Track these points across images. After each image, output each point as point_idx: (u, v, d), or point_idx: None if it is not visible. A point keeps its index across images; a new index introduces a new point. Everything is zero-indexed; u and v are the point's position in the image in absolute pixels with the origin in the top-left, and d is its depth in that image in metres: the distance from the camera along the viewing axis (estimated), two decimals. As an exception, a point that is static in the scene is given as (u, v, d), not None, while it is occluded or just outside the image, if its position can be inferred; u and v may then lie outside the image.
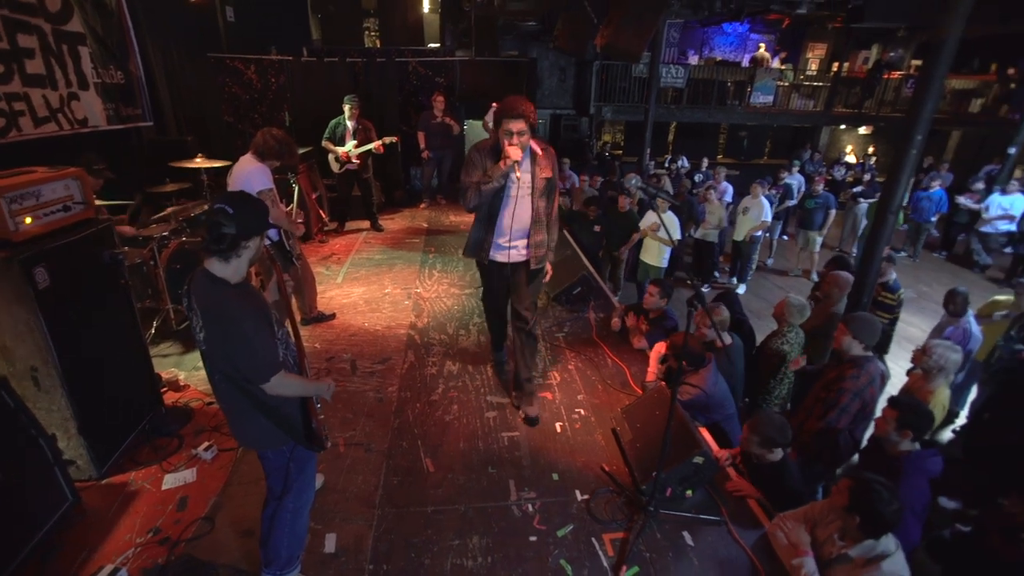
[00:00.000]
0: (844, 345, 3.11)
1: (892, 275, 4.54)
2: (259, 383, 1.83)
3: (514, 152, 2.80)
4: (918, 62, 13.73)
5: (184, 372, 3.81)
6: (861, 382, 3.00)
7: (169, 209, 4.62)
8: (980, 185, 9.00)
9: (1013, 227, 8.15)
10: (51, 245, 2.52)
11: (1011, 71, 11.84)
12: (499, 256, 3.18)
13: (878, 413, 2.79)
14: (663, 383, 3.24)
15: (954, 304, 4.19)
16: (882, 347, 4.62)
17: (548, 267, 3.41)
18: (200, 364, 3.79)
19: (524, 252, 3.18)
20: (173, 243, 4.29)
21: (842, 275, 4.28)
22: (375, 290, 5.15)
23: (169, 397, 3.49)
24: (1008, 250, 8.30)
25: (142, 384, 3.18)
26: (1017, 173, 9.61)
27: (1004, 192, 8.27)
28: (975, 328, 4.06)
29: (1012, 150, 9.17)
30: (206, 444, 3.06)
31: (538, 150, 3.02)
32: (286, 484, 2.08)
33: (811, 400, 3.27)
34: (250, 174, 3.54)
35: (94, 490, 2.75)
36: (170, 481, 2.84)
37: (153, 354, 3.75)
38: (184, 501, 2.71)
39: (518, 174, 2.88)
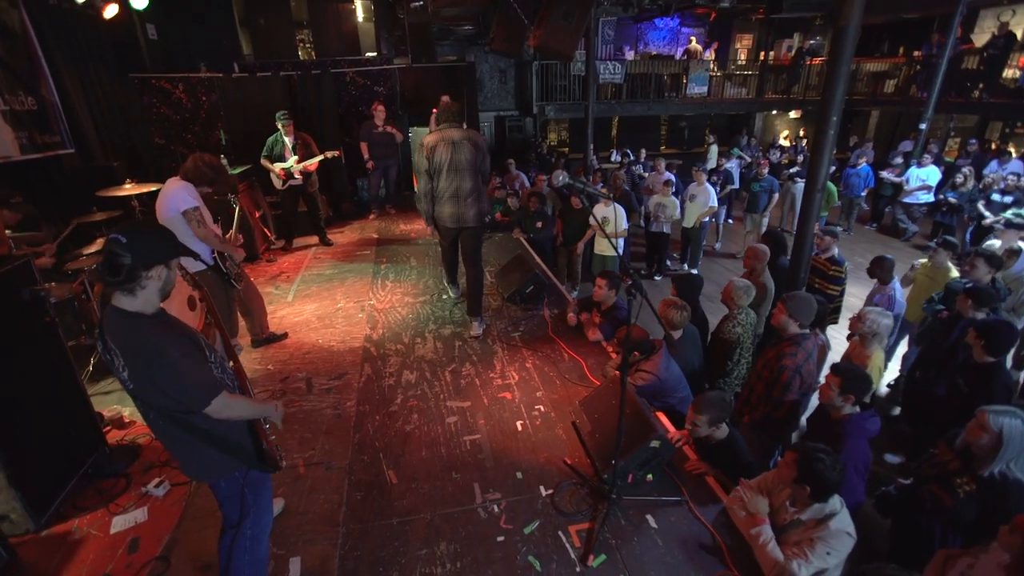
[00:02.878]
0: (781, 323, 3.23)
1: (835, 250, 4.76)
2: (200, 409, 1.76)
3: None
4: (837, 48, 14.53)
5: (128, 408, 3.62)
6: (799, 358, 3.15)
7: (99, 240, 4.39)
8: (899, 160, 9.62)
9: (931, 197, 8.75)
10: (-39, 287, 2.37)
11: (916, 54, 12.68)
12: None
13: (821, 381, 2.95)
14: (617, 373, 3.32)
15: (881, 271, 4.46)
16: (833, 317, 4.86)
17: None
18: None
19: None
20: (105, 275, 4.08)
21: (759, 247, 4.53)
22: (327, 306, 5.04)
23: (113, 436, 3.32)
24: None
25: (80, 425, 3.01)
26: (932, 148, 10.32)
27: (920, 165, 8.87)
28: (899, 294, 4.33)
29: (923, 126, 9.83)
30: (157, 480, 2.93)
31: None
32: (242, 511, 2.01)
33: (753, 378, 3.41)
34: (174, 193, 3.42)
35: (32, 544, 2.59)
36: (119, 523, 2.71)
37: (93, 392, 3.58)
38: (136, 543, 2.59)
39: None
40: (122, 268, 1.66)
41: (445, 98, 4.38)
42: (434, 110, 7.64)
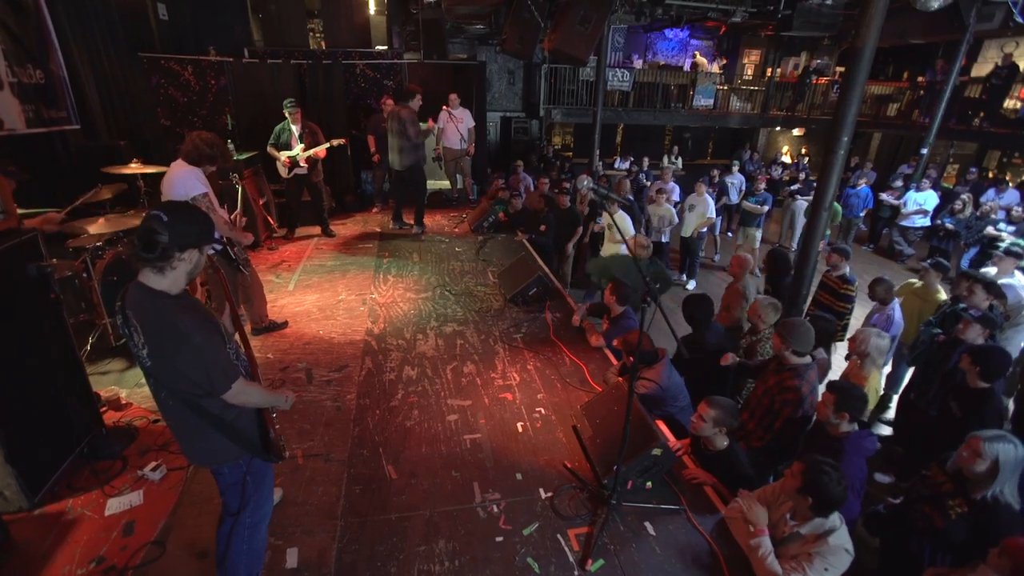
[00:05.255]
0: (779, 352, 3.16)
1: (846, 268, 4.76)
2: (219, 394, 1.77)
3: None
4: (842, 68, 14.70)
5: (126, 389, 3.60)
6: (803, 392, 3.07)
7: (101, 219, 4.33)
8: (899, 183, 9.73)
9: (927, 221, 8.85)
10: (-32, 259, 2.34)
11: (920, 79, 12.84)
12: None
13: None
14: (620, 379, 3.33)
15: (878, 292, 4.49)
16: (841, 335, 4.85)
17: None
18: (143, 381, 3.62)
19: None
20: (108, 254, 4.04)
21: (744, 256, 4.69)
22: (329, 297, 5.03)
23: (110, 417, 3.29)
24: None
25: (78, 404, 2.98)
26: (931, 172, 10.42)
27: (918, 189, 8.98)
28: (897, 315, 4.36)
29: (924, 151, 9.96)
30: (153, 464, 2.91)
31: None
32: (243, 499, 2.01)
33: (753, 402, 3.36)
34: (182, 178, 3.38)
35: (26, 522, 2.56)
36: (114, 506, 2.68)
37: (91, 372, 3.54)
38: (130, 526, 2.57)
39: None
40: (157, 245, 1.65)
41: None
42: (444, 107, 7.66)
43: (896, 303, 4.37)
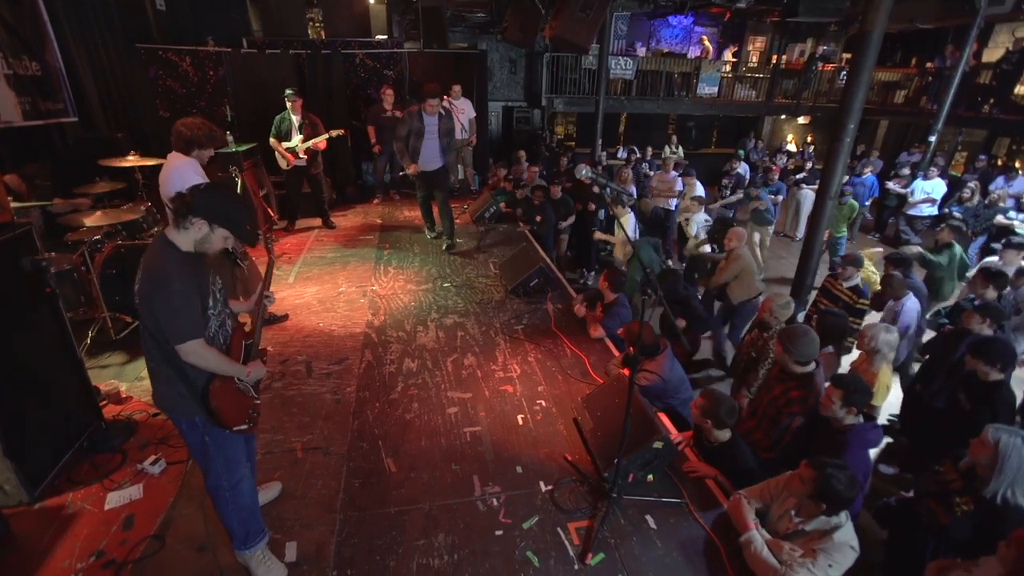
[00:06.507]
0: (782, 361, 3.06)
1: (857, 278, 4.57)
2: (174, 344, 1.86)
3: None
4: (849, 55, 14.49)
5: (126, 383, 3.59)
6: (809, 403, 2.98)
7: (98, 212, 4.31)
8: (906, 171, 9.60)
9: (935, 210, 8.73)
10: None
11: (929, 65, 12.63)
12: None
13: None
14: (623, 371, 3.30)
15: (890, 289, 4.40)
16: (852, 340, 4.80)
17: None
18: (143, 375, 3.63)
19: None
20: (107, 247, 4.02)
21: (738, 230, 4.87)
22: (329, 289, 5.00)
23: (110, 410, 3.29)
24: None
25: (77, 398, 2.97)
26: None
27: (926, 177, 8.85)
28: (907, 310, 4.28)
29: (932, 138, 9.80)
30: (153, 458, 2.90)
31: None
32: (207, 460, 2.11)
33: (759, 410, 3.27)
34: (179, 171, 3.32)
35: (26, 516, 2.56)
36: (114, 499, 2.68)
37: (90, 366, 3.55)
38: (130, 520, 2.56)
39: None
40: (180, 203, 1.89)
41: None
42: (445, 96, 7.57)
43: (910, 296, 4.29)
